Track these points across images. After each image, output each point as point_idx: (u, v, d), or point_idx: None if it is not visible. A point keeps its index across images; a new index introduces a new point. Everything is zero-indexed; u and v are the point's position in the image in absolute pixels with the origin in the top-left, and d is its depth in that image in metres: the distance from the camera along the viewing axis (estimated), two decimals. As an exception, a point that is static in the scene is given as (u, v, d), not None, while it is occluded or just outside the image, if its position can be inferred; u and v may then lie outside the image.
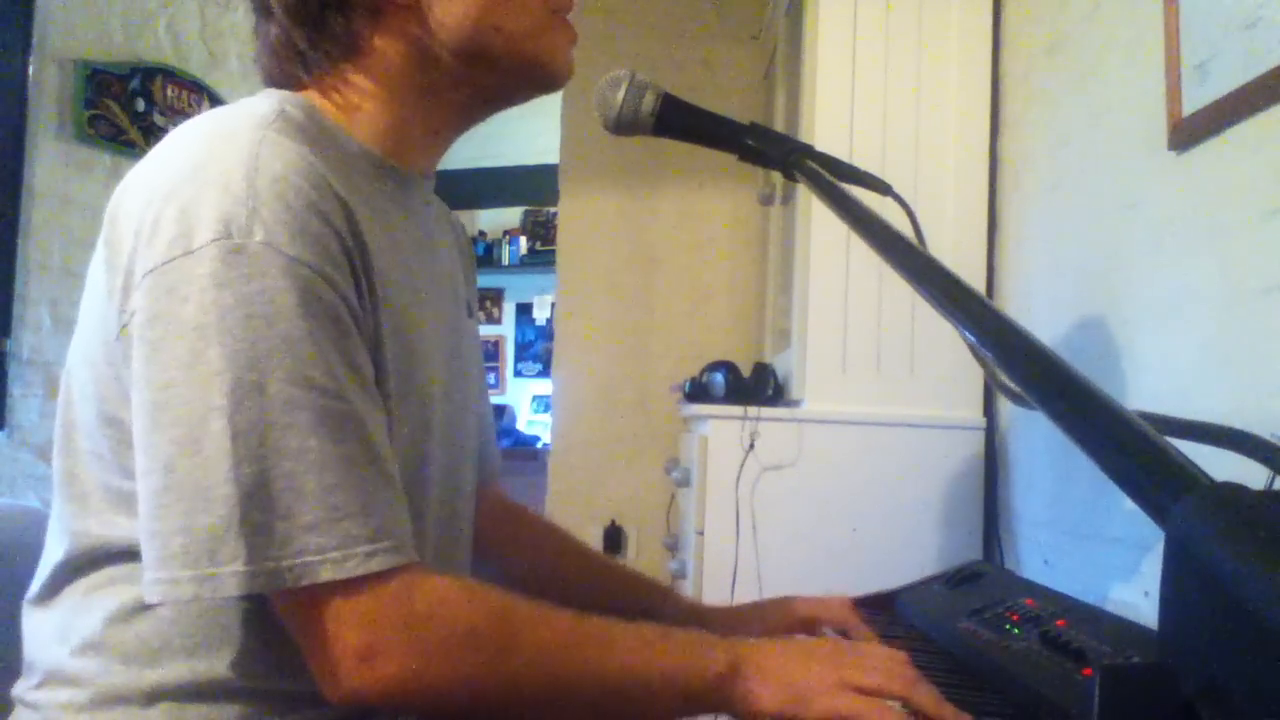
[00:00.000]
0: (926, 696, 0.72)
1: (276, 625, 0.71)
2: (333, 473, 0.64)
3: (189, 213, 0.65)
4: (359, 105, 0.81)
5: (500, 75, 0.83)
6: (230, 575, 0.62)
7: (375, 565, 0.64)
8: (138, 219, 0.67)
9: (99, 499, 0.74)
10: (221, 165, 0.66)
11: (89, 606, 0.73)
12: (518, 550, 1.09)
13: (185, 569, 0.62)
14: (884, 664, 0.74)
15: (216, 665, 0.71)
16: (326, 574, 0.63)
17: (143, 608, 0.71)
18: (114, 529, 0.73)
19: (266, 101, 0.73)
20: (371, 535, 0.65)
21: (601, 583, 1.09)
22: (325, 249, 0.67)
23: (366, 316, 0.71)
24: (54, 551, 0.77)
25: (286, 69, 0.81)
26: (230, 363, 0.62)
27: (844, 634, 1.02)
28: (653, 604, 1.06)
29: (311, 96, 0.80)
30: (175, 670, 0.71)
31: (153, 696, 0.71)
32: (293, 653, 0.71)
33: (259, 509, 0.62)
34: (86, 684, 0.72)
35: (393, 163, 0.83)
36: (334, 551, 0.63)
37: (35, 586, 0.78)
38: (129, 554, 0.72)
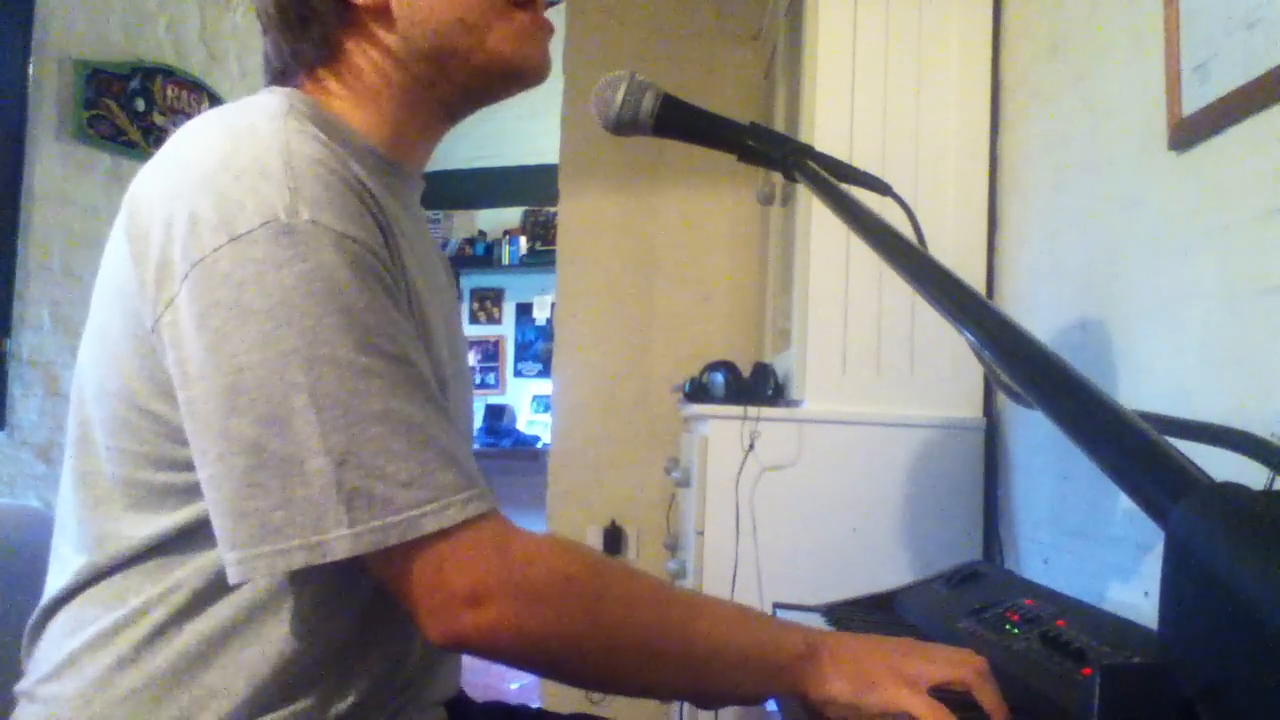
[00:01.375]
0: (990, 693, 0.73)
1: (289, 612, 0.73)
2: (417, 430, 0.66)
3: (227, 200, 0.66)
4: (353, 103, 0.84)
5: (474, 72, 0.85)
6: (337, 539, 0.64)
7: (472, 510, 0.67)
8: (165, 211, 0.68)
9: (120, 498, 0.74)
10: (252, 153, 0.68)
11: (110, 601, 0.74)
12: None
13: (292, 539, 0.64)
14: (953, 657, 0.75)
15: (231, 656, 0.72)
16: (430, 525, 0.65)
17: (159, 601, 0.72)
18: (137, 528, 0.73)
19: (273, 98, 0.75)
20: (464, 484, 0.67)
21: None
22: (366, 224, 0.69)
23: (402, 291, 0.74)
24: (71, 558, 0.77)
25: (283, 71, 0.85)
26: (302, 340, 0.64)
27: None
28: None
29: (312, 93, 0.83)
30: (190, 662, 0.72)
31: (162, 688, 0.71)
32: (305, 636, 0.73)
33: (355, 474, 0.64)
34: (98, 677, 0.73)
35: (391, 157, 0.85)
36: (432, 504, 0.66)
37: (52, 591, 0.78)
38: (152, 550, 0.73)
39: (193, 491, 0.70)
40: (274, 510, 0.64)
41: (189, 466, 0.69)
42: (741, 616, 0.76)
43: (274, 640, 0.73)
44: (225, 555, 0.66)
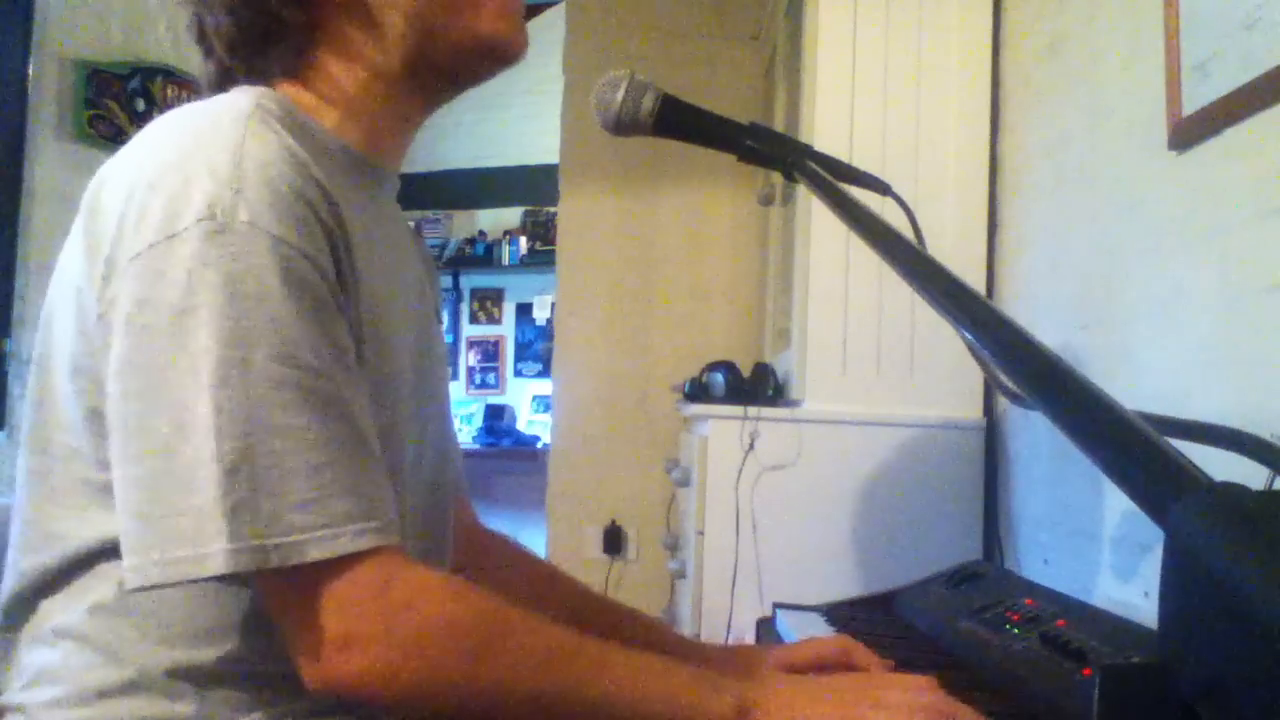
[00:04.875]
0: None
1: (258, 612, 0.70)
2: (319, 451, 0.63)
3: (175, 199, 0.65)
4: (326, 102, 0.81)
5: (454, 52, 0.83)
6: (216, 554, 0.61)
7: (363, 544, 0.64)
8: (120, 208, 0.67)
9: (78, 497, 0.72)
10: (207, 153, 0.66)
11: (68, 604, 0.73)
12: (493, 580, 1.01)
13: (172, 550, 0.62)
14: (903, 700, 0.70)
15: (198, 654, 0.71)
16: (314, 553, 0.62)
17: (123, 599, 0.70)
18: (84, 529, 0.71)
19: (243, 96, 0.72)
20: (361, 514, 0.64)
21: (593, 617, 1.00)
22: (309, 231, 0.67)
23: (349, 303, 0.71)
24: (29, 557, 0.74)
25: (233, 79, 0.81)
26: (216, 341, 0.62)
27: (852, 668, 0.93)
28: (651, 643, 0.96)
29: (284, 90, 0.80)
30: (156, 660, 0.70)
31: (133, 688, 0.70)
32: (272, 640, 0.70)
33: (245, 487, 0.61)
34: (68, 680, 0.71)
35: (366, 156, 0.83)
36: (322, 530, 0.63)
37: (8, 594, 0.76)
38: (108, 550, 0.70)
39: None
40: (163, 517, 0.62)
41: None
42: (663, 674, 0.69)
43: (248, 630, 0.71)
44: (124, 559, 0.63)
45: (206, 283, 0.63)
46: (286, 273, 0.65)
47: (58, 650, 0.72)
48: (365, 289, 0.74)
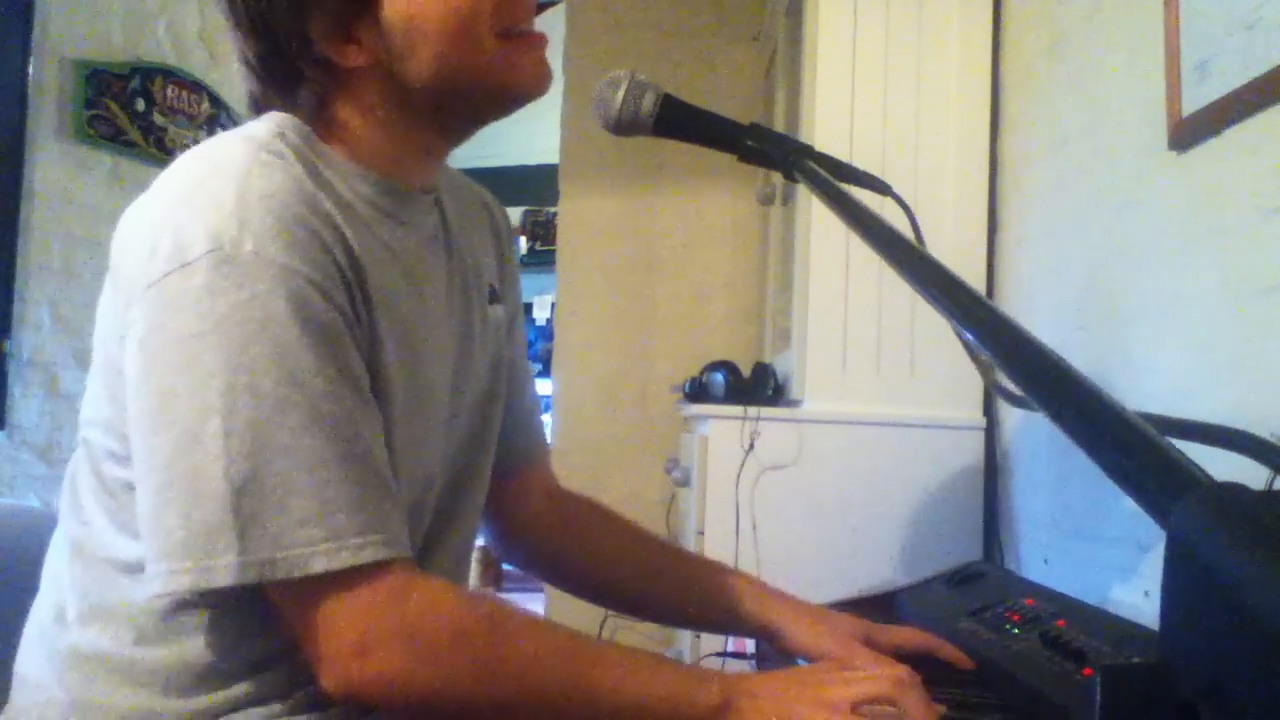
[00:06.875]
0: (915, 701, 0.74)
1: (253, 657, 0.75)
2: (325, 469, 0.67)
3: (184, 231, 0.69)
4: (350, 132, 0.82)
5: (474, 104, 0.84)
6: (225, 566, 0.65)
7: (366, 557, 0.67)
8: (139, 246, 0.72)
9: (104, 566, 0.76)
10: (214, 186, 0.70)
11: (49, 658, 0.78)
12: (573, 537, 1.08)
13: (184, 560, 0.66)
14: (874, 673, 0.76)
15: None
16: (318, 565, 0.66)
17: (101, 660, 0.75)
18: (118, 593, 0.76)
19: (264, 125, 0.77)
20: (362, 528, 0.68)
21: (671, 570, 1.07)
22: (314, 259, 0.70)
23: (363, 326, 0.74)
24: (56, 604, 0.79)
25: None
26: (224, 366, 0.66)
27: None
28: (724, 586, 1.02)
29: (308, 119, 0.82)
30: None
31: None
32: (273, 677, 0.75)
33: (253, 503, 0.66)
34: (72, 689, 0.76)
35: (390, 179, 0.83)
36: (325, 543, 0.66)
37: (54, 611, 0.80)
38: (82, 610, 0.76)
39: None
40: (174, 529, 0.66)
41: None
42: (654, 668, 0.74)
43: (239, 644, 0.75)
44: (145, 570, 0.69)
45: (215, 312, 0.67)
46: (292, 299, 0.68)
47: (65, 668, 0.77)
48: (388, 309, 0.77)
